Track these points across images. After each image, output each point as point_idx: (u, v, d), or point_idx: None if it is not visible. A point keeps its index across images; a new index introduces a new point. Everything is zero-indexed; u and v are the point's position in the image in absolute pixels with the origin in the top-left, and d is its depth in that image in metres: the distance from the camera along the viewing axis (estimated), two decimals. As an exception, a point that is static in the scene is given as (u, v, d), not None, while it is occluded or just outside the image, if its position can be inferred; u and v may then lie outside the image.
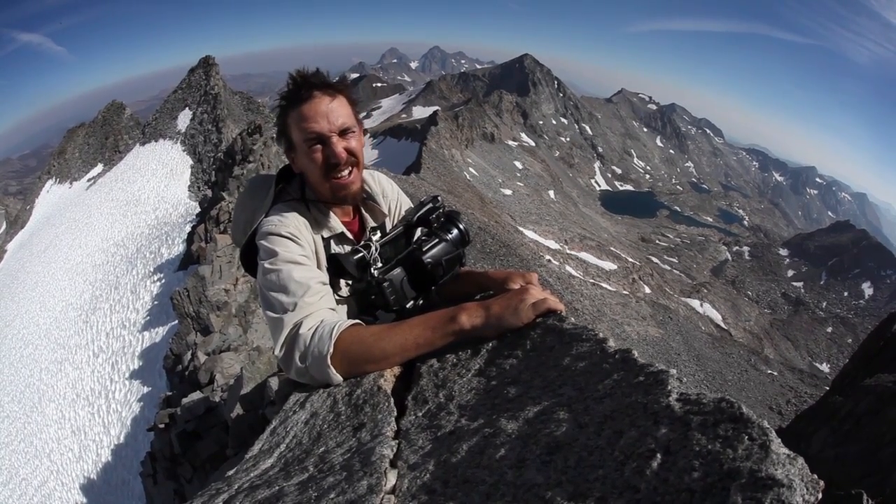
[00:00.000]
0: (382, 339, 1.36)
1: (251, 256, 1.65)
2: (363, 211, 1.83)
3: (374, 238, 1.74)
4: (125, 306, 22.28)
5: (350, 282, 1.68)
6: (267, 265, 1.49)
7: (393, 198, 1.95)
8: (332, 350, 1.34)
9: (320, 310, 1.44)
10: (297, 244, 1.53)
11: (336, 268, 1.60)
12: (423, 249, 1.61)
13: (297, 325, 1.39)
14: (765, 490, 0.57)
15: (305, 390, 1.48)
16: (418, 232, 1.74)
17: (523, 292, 1.37)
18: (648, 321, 41.03)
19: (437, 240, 1.64)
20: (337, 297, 1.62)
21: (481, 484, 0.81)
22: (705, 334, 44.84)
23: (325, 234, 1.67)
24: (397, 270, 1.60)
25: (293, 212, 1.60)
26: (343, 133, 1.57)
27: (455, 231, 1.67)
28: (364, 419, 1.18)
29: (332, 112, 1.55)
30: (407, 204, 1.99)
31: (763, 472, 0.59)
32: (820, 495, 0.59)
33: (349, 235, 1.73)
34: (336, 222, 1.69)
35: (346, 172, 1.60)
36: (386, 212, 1.89)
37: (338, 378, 1.37)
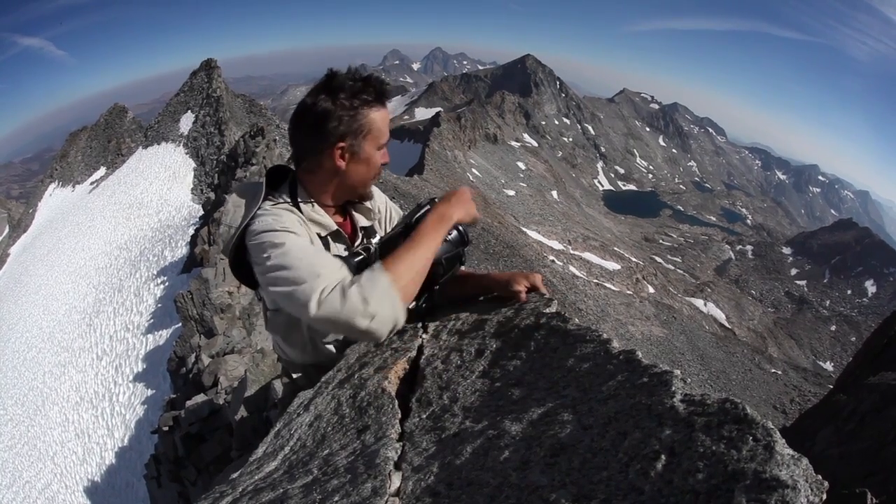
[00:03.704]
0: (415, 256, 1.42)
1: (242, 265, 1.61)
2: (353, 213, 1.81)
3: (374, 240, 1.74)
4: (129, 309, 22.31)
5: None
6: (270, 251, 1.44)
7: (382, 201, 1.95)
8: (391, 279, 1.33)
9: (337, 266, 1.42)
10: (296, 235, 1.50)
11: None
12: None
13: (331, 283, 1.34)
14: (769, 491, 0.57)
15: (309, 393, 1.48)
16: None
17: (463, 192, 1.61)
18: (652, 321, 41.01)
19: None
20: None
21: (485, 486, 0.81)
22: (709, 333, 44.80)
23: (322, 232, 1.65)
24: None
25: (285, 211, 1.57)
26: None
27: (454, 231, 1.66)
28: (368, 421, 1.18)
29: None
30: (395, 209, 2.00)
31: (767, 474, 0.59)
32: (824, 496, 0.58)
33: (344, 234, 1.71)
34: (330, 221, 1.67)
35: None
36: (375, 211, 1.88)
37: (404, 309, 1.37)
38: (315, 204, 1.65)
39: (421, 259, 1.42)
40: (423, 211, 1.70)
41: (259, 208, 1.57)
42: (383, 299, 1.31)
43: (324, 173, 1.63)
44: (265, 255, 1.43)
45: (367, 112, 1.55)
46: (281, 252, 1.41)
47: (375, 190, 1.94)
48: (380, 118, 1.58)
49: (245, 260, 1.57)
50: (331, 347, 1.69)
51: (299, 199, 1.63)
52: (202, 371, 12.90)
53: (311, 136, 1.58)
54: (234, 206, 1.63)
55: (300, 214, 1.60)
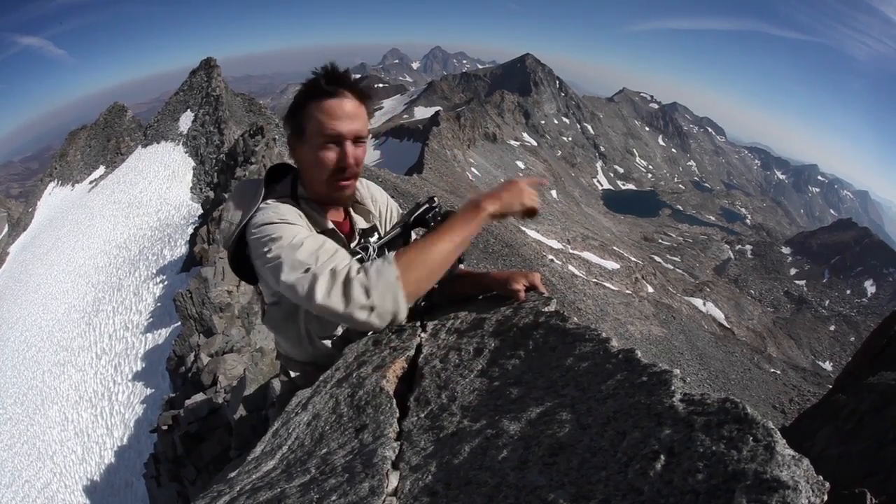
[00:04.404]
0: (432, 250, 1.35)
1: (241, 260, 1.61)
2: (353, 214, 1.80)
3: (372, 240, 1.72)
4: (128, 308, 22.31)
5: None
6: (271, 243, 1.43)
7: (383, 202, 1.94)
8: (398, 273, 1.29)
9: (343, 253, 1.42)
10: (295, 226, 1.50)
11: None
12: None
13: (336, 270, 1.32)
14: (770, 492, 0.56)
15: (307, 391, 1.47)
16: (415, 233, 1.72)
17: (514, 183, 1.47)
18: (651, 320, 41.02)
19: None
20: None
21: (483, 486, 0.81)
22: (708, 333, 44.83)
23: (317, 229, 1.63)
24: None
25: (284, 205, 1.57)
26: (357, 140, 1.54)
27: None
28: (366, 420, 1.18)
29: (355, 116, 1.52)
30: (396, 209, 1.98)
31: (768, 474, 0.58)
32: (825, 497, 0.58)
33: (340, 234, 1.69)
34: (322, 219, 1.66)
35: (348, 179, 1.59)
36: (376, 213, 1.87)
37: (406, 305, 1.33)
38: (313, 202, 1.65)
39: (441, 252, 1.35)
40: (420, 210, 1.69)
41: (261, 203, 1.58)
42: (385, 293, 1.29)
43: (300, 168, 1.67)
44: (266, 248, 1.43)
45: (311, 104, 1.51)
46: (281, 243, 1.41)
47: (377, 189, 1.94)
48: (319, 110, 1.50)
49: (245, 255, 1.57)
50: (327, 343, 1.68)
51: (300, 196, 1.64)
52: (201, 370, 12.90)
53: (286, 132, 1.63)
54: (234, 203, 1.63)
55: (299, 209, 1.60)
